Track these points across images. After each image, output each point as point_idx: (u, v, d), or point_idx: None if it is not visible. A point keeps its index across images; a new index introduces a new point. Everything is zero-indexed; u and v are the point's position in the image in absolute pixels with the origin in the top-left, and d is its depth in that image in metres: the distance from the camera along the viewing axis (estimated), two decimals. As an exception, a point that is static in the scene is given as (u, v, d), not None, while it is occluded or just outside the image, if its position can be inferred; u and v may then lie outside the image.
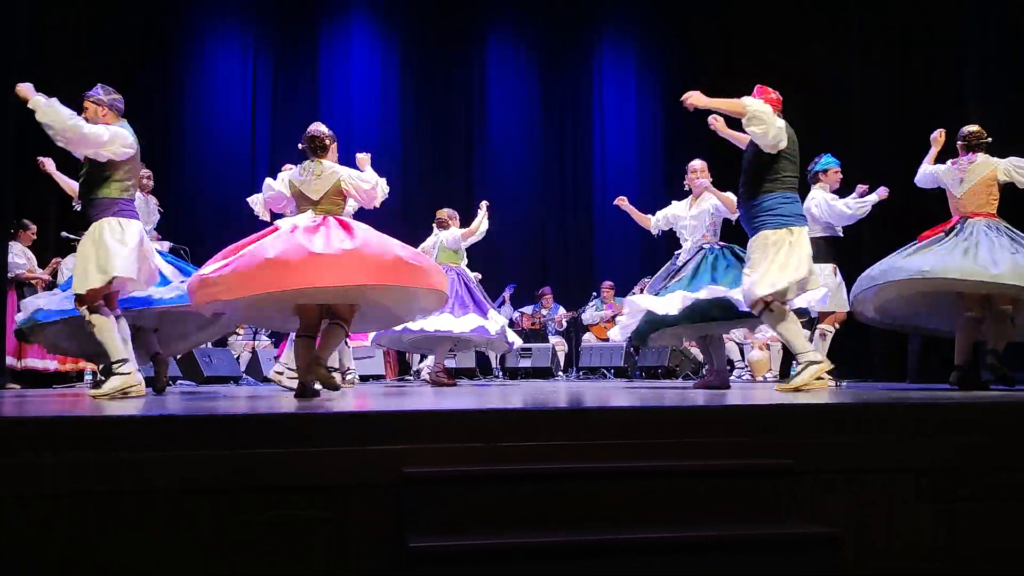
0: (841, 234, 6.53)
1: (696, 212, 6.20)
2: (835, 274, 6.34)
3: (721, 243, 6.13)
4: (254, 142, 11.93)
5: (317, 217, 4.56)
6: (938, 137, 5.78)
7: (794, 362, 8.74)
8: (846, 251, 6.65)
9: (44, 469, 2.65)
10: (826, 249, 6.29)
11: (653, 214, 6.62)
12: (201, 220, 11.40)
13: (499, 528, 2.73)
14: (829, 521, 2.95)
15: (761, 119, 4.84)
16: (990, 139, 5.58)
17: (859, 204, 6.34)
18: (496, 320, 7.49)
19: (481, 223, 7.82)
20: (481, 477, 2.84)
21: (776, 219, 4.85)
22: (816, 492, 3.07)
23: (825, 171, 6.48)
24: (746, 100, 4.92)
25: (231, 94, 11.90)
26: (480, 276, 8.36)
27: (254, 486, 2.76)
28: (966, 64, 7.24)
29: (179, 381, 7.91)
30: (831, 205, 6.34)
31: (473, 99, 12.70)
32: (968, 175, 5.49)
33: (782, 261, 4.80)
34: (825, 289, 5.83)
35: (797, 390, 4.75)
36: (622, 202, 6.80)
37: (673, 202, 6.51)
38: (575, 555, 2.65)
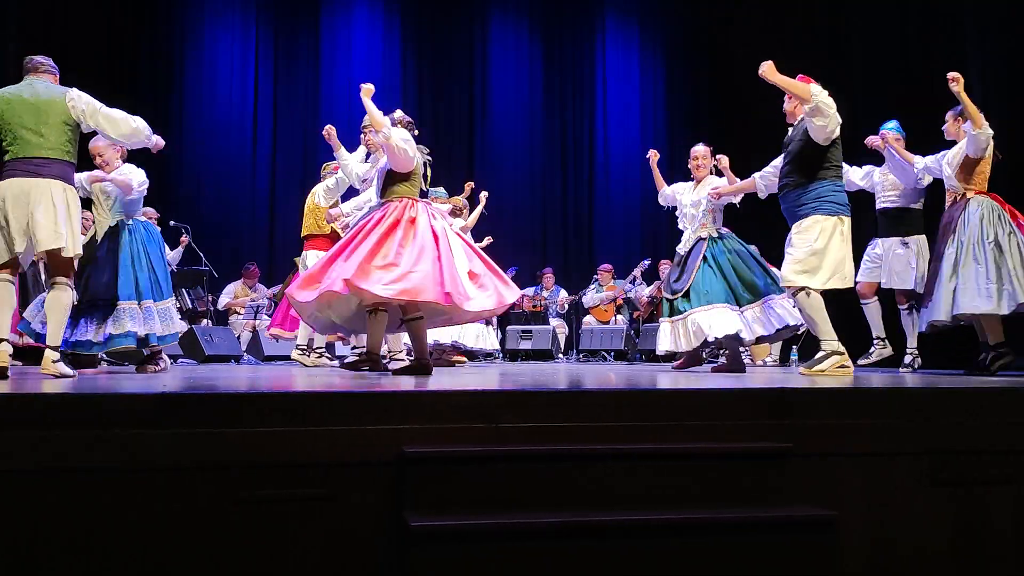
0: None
1: (695, 199, 6.17)
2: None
3: (721, 231, 6.12)
4: (256, 123, 11.90)
5: None
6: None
7: (794, 347, 8.80)
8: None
9: (40, 445, 2.66)
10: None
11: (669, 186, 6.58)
12: (203, 199, 11.41)
13: (499, 508, 2.74)
14: (828, 504, 2.95)
15: (825, 112, 4.80)
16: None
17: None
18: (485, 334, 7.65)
19: (473, 219, 7.89)
20: (482, 457, 2.85)
21: (828, 206, 4.87)
22: (816, 475, 3.08)
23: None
24: (814, 88, 4.84)
25: (233, 75, 11.86)
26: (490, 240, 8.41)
27: (253, 464, 2.76)
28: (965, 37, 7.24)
29: (180, 359, 7.92)
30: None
31: (475, 80, 12.65)
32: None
33: (829, 251, 4.82)
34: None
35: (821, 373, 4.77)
36: (654, 157, 6.69)
37: (681, 183, 6.47)
38: (574, 535, 2.66)
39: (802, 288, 4.86)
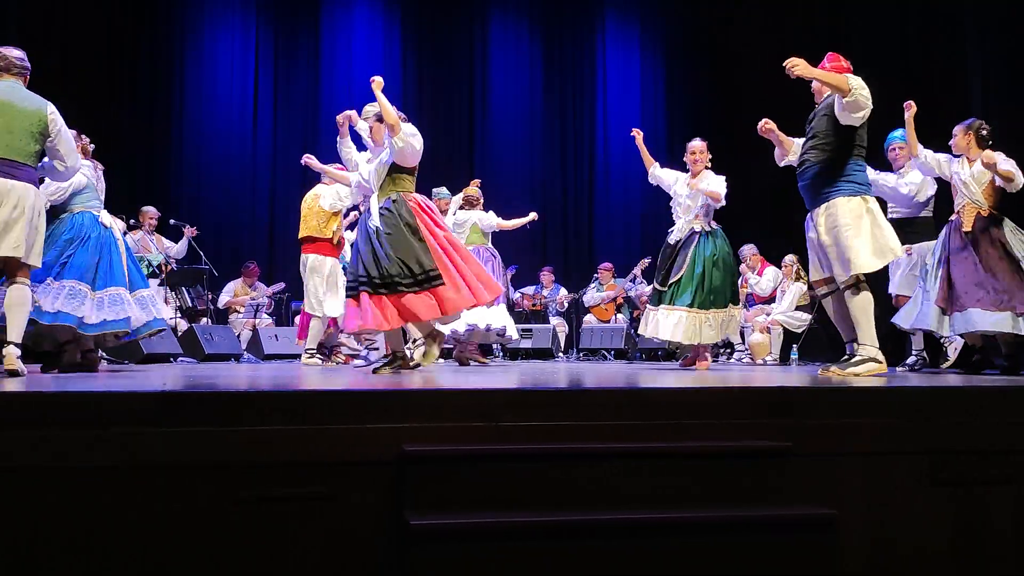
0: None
1: (693, 192, 6.22)
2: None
3: (712, 225, 6.19)
4: (256, 123, 11.88)
5: None
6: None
7: (794, 346, 8.80)
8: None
9: (40, 445, 2.66)
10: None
11: (668, 196, 6.62)
12: (203, 199, 11.41)
13: (499, 507, 2.74)
14: (828, 504, 2.95)
15: (862, 105, 4.61)
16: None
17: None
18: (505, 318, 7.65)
19: (515, 224, 7.98)
20: (482, 456, 2.85)
21: (851, 186, 4.68)
22: (816, 475, 3.07)
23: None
24: (851, 79, 4.63)
25: (233, 75, 11.85)
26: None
27: (253, 464, 2.76)
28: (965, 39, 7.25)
29: (180, 358, 7.92)
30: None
31: (475, 80, 12.65)
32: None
33: (862, 233, 4.62)
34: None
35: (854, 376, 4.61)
36: (638, 135, 6.77)
37: (678, 173, 6.51)
38: (574, 534, 2.66)
39: (852, 285, 4.64)
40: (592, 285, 11.29)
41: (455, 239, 5.14)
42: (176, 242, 9.44)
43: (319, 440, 2.81)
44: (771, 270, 9.42)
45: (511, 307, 9.17)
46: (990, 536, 3.18)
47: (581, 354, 10.66)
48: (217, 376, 4.74)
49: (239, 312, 10.20)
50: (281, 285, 10.21)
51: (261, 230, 11.67)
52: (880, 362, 4.64)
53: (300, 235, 7.19)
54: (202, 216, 10.77)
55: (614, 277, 11.24)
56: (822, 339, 8.18)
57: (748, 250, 9.51)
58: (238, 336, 9.34)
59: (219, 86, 11.76)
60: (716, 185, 6.15)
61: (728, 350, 9.56)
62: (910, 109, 5.75)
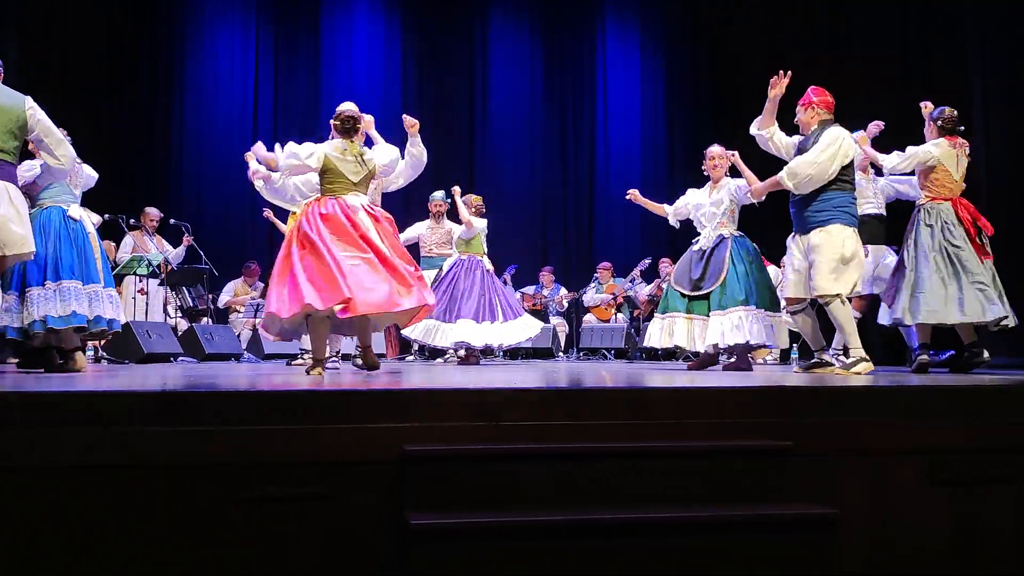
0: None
1: (716, 198, 6.15)
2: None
3: (738, 232, 6.13)
4: (256, 123, 11.87)
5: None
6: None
7: (794, 345, 8.79)
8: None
9: (40, 445, 2.66)
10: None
11: (670, 203, 6.56)
12: (203, 198, 11.40)
13: (500, 507, 2.74)
14: (829, 503, 2.95)
15: (807, 185, 5.09)
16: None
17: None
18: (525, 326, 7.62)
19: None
20: (483, 455, 2.85)
21: (847, 217, 5.11)
22: (816, 474, 3.07)
23: None
24: (783, 178, 5.17)
25: (233, 75, 11.84)
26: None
27: (254, 463, 2.76)
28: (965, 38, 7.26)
29: (180, 358, 7.92)
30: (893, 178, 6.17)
31: (475, 80, 12.64)
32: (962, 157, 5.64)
33: (855, 258, 5.09)
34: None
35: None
36: (634, 195, 6.69)
37: (689, 190, 6.45)
38: (575, 534, 2.66)
39: (836, 295, 5.05)
40: (592, 285, 11.29)
41: (318, 246, 4.77)
42: (175, 247, 9.42)
43: (319, 440, 2.80)
44: (772, 270, 9.41)
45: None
46: (990, 536, 3.19)
47: (581, 354, 10.65)
48: (217, 376, 4.74)
49: (239, 312, 10.20)
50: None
51: (261, 230, 11.64)
52: (867, 360, 5.08)
53: None
54: (202, 216, 10.78)
55: (613, 277, 11.24)
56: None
57: (749, 250, 9.50)
58: (238, 336, 9.34)
59: (219, 86, 11.76)
60: (737, 183, 6.13)
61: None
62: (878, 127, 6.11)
